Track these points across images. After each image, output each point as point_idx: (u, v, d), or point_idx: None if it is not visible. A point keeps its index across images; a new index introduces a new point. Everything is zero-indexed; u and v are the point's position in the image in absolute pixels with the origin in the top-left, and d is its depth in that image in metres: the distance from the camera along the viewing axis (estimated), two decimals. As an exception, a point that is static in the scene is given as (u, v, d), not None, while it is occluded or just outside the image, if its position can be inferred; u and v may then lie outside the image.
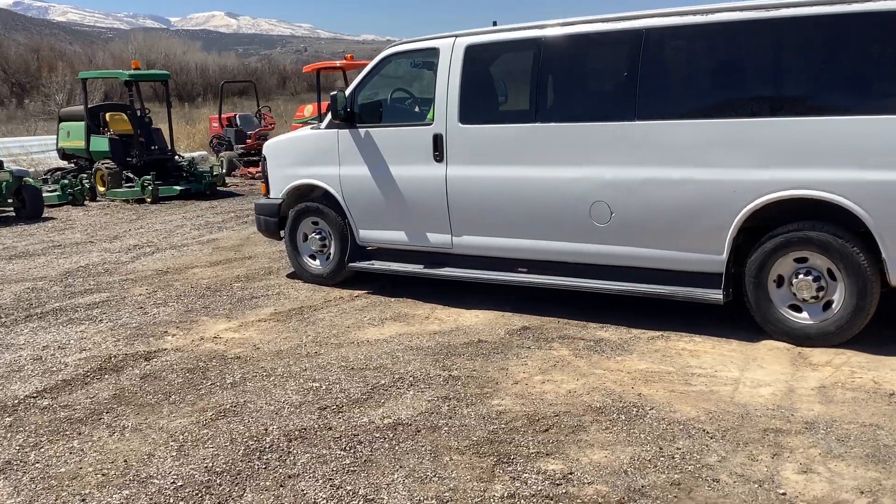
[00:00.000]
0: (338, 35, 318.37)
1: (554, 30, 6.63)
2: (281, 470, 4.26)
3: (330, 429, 4.75)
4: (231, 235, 11.07)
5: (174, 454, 4.52)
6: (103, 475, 4.31)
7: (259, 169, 16.25)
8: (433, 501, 3.86)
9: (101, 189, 15.53)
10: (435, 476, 4.11)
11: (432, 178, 7.16)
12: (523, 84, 7.06)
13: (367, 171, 7.54)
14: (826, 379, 5.14)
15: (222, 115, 19.95)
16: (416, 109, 8.12)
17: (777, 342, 5.81)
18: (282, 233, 8.42)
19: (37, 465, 4.47)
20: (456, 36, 7.10)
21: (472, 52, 6.98)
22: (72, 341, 6.63)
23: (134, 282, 8.61)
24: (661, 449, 4.26)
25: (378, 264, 7.73)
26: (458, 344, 6.14)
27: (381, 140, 7.47)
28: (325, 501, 3.94)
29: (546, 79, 6.78)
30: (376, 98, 7.81)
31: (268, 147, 8.51)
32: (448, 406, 4.99)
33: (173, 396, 5.37)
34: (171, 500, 4.01)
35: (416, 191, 7.30)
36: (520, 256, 6.90)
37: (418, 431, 4.65)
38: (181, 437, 4.74)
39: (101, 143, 15.91)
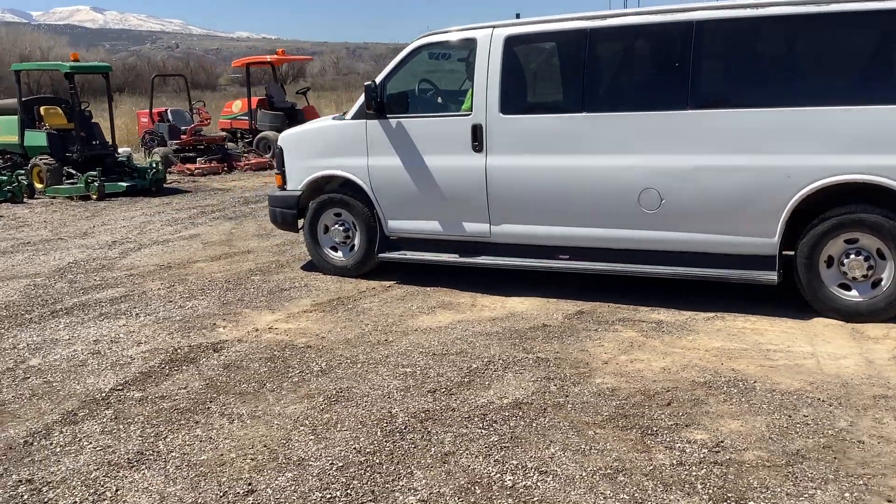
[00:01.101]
0: (210, 32, 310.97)
1: (603, 21, 6.85)
2: (433, 448, 4.37)
3: (452, 409, 4.86)
4: (211, 231, 10.94)
5: (312, 438, 4.56)
6: (252, 459, 4.33)
7: (197, 166, 16.00)
8: (607, 471, 4.04)
9: (39, 186, 14.95)
10: (592, 449, 4.29)
11: (471, 168, 7.28)
12: (567, 74, 7.29)
13: (398, 162, 7.61)
14: (894, 350, 5.56)
15: (153, 111, 19.43)
16: (441, 101, 8.21)
17: (828, 319, 6.21)
18: (300, 224, 8.37)
19: (172, 454, 4.44)
20: (493, 27, 7.24)
21: (511, 43, 7.14)
22: (121, 335, 6.52)
23: (142, 276, 8.48)
24: (790, 417, 4.57)
25: (410, 254, 7.80)
26: (524, 329, 6.33)
27: (414, 130, 7.55)
28: (497, 475, 4.07)
29: (594, 69, 6.98)
30: (404, 89, 7.82)
31: (284, 139, 8.46)
32: (556, 386, 5.17)
33: (268, 384, 5.38)
34: (342, 480, 4.08)
35: (453, 181, 7.41)
36: (562, 244, 7.11)
37: (544, 409, 4.82)
38: (307, 421, 4.79)
39: (37, 138, 15.33)
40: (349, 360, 5.78)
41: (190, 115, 19.69)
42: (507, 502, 3.80)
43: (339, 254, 8.22)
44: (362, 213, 7.91)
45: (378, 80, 7.64)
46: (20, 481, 4.15)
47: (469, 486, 3.96)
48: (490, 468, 4.13)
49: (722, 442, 4.29)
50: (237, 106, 20.64)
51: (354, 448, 4.42)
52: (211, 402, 5.14)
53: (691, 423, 4.54)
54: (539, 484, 3.95)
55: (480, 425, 4.64)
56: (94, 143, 15.55)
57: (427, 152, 7.50)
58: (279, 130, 18.68)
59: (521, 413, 4.78)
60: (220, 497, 3.94)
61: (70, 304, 7.44)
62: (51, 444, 4.61)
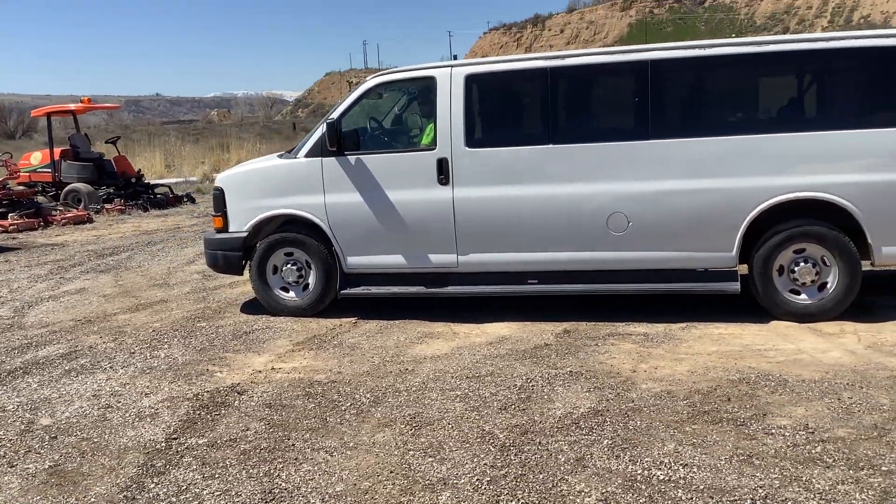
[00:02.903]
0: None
1: (565, 60, 7.41)
2: (561, 456, 4.66)
3: (540, 422, 5.15)
4: (94, 285, 10.38)
5: (431, 460, 4.71)
6: (393, 484, 4.43)
7: (11, 222, 14.94)
8: (739, 457, 4.50)
9: None
10: (704, 441, 4.72)
11: (437, 201, 7.55)
12: (533, 109, 7.80)
13: (359, 198, 7.73)
14: (860, 341, 6.44)
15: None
16: (396, 137, 8.45)
17: (785, 321, 7.06)
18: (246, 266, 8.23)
19: (302, 488, 4.44)
20: (451, 66, 7.61)
21: (471, 81, 7.53)
22: (118, 389, 6.23)
23: (69, 332, 7.97)
24: (839, 400, 5.24)
25: (374, 289, 7.88)
26: (528, 349, 6.69)
27: (375, 166, 7.70)
28: (644, 471, 4.43)
29: (558, 104, 7.54)
30: (356, 126, 7.98)
31: (225, 180, 8.29)
32: (611, 394, 5.58)
33: (330, 419, 5.41)
34: (503, 491, 4.27)
35: (419, 214, 7.62)
36: (532, 269, 7.53)
37: (625, 413, 5.21)
38: (409, 446, 4.91)
39: None
40: (391, 390, 5.86)
41: (-6, 168, 18.21)
42: (680, 493, 4.12)
43: (292, 294, 8.14)
44: (318, 252, 7.89)
45: (333, 118, 7.67)
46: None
47: (629, 483, 4.26)
48: (631, 466, 4.45)
49: (808, 425, 4.85)
50: (36, 158, 19.36)
51: (485, 464, 4.59)
52: (288, 439, 5.09)
53: (766, 412, 5.09)
54: (691, 474, 4.32)
55: (580, 433, 4.93)
56: None
57: (390, 187, 7.67)
58: (90, 182, 17.85)
59: (606, 419, 5.12)
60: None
61: (17, 365, 6.91)
62: (158, 496, 4.43)
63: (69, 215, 16.61)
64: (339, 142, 7.65)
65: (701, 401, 5.31)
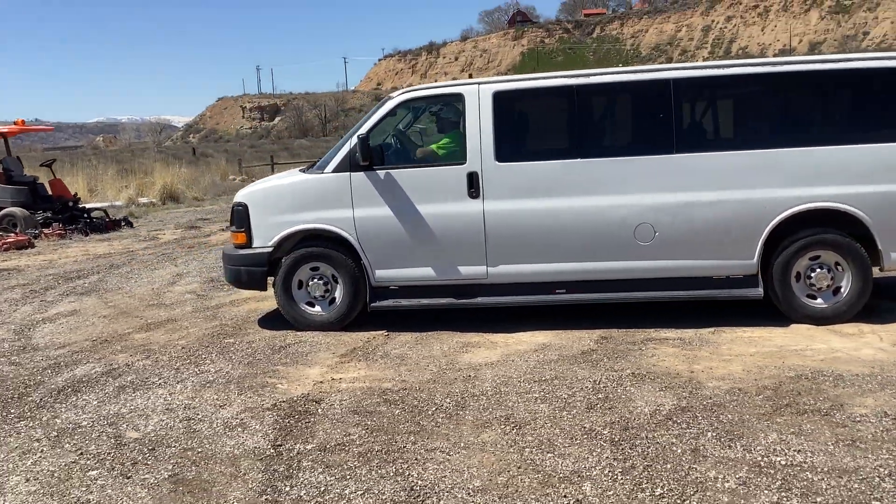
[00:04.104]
0: None
1: (590, 79, 7.80)
2: (676, 448, 4.95)
3: (633, 419, 5.43)
4: (84, 307, 10.17)
5: (552, 455, 4.96)
6: (530, 478, 4.66)
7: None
8: (846, 442, 4.87)
9: None
10: (802, 431, 5.05)
11: (467, 214, 7.75)
12: (561, 125, 8.11)
13: (388, 212, 7.89)
14: (883, 340, 6.95)
15: None
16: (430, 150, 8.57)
17: (806, 324, 7.55)
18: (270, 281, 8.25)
19: (440, 485, 4.61)
20: (479, 83, 7.90)
21: (499, 98, 7.82)
22: (187, 402, 6.25)
23: (93, 352, 7.87)
24: (902, 389, 5.73)
25: (405, 301, 8.06)
26: (575, 355, 6.96)
27: (405, 180, 7.85)
28: (764, 458, 4.75)
29: (585, 120, 7.89)
30: (382, 142, 8.14)
31: (249, 196, 8.30)
32: (686, 392, 5.89)
33: (423, 422, 5.57)
34: (656, 479, 4.56)
35: (449, 227, 7.82)
36: (560, 279, 7.81)
37: (711, 409, 5.52)
38: (518, 443, 5.15)
39: None
40: (467, 395, 6.06)
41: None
42: (809, 475, 4.47)
43: (318, 308, 8.19)
44: (345, 266, 7.99)
45: (362, 133, 7.84)
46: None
47: (756, 469, 4.58)
48: (748, 454, 4.77)
49: (886, 412, 5.26)
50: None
51: (607, 457, 4.85)
52: (395, 442, 5.24)
53: (841, 403, 5.48)
54: (810, 458, 4.66)
55: (680, 427, 5.23)
56: None
57: (420, 201, 7.87)
58: (25, 206, 17.34)
59: (696, 415, 5.43)
60: None
61: (61, 384, 6.83)
62: (301, 497, 4.58)
63: (10, 240, 16.10)
64: (369, 156, 7.75)
65: (774, 395, 5.67)
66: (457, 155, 7.91)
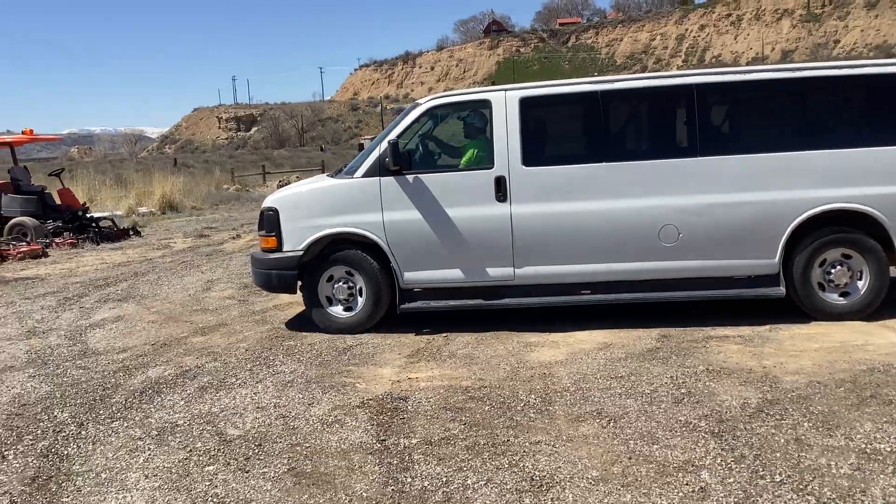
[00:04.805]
0: None
1: (614, 84, 8.06)
2: (780, 437, 5.14)
3: (725, 412, 5.62)
4: (124, 314, 10.24)
5: (659, 447, 5.11)
6: (645, 467, 4.83)
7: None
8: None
9: None
10: (894, 420, 5.34)
11: (495, 217, 7.89)
12: (586, 129, 8.37)
13: (417, 215, 8.00)
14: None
15: None
16: (450, 156, 8.83)
17: (855, 321, 7.71)
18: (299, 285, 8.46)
19: (558, 475, 4.77)
20: (505, 90, 8.13)
21: (525, 104, 8.05)
22: (273, 400, 6.38)
23: (154, 356, 7.97)
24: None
25: (434, 303, 8.18)
26: (642, 353, 7.13)
27: (434, 185, 8.00)
28: (867, 444, 4.93)
29: (609, 124, 8.12)
30: (411, 147, 8.34)
31: (278, 200, 8.46)
32: (766, 386, 6.05)
33: (518, 417, 5.73)
34: (756, 466, 4.73)
35: (477, 229, 7.93)
36: (586, 280, 8.03)
37: (800, 401, 5.69)
38: (624, 436, 5.32)
39: None
40: (551, 392, 6.22)
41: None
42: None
43: (341, 310, 8.43)
44: (370, 269, 8.18)
45: (392, 138, 8.04)
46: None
47: (865, 455, 4.77)
48: (851, 443, 4.94)
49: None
50: (-27, 192, 18.52)
51: (713, 447, 5.04)
52: (496, 436, 5.40)
53: (924, 392, 5.72)
54: (912, 444, 4.87)
55: (774, 419, 5.39)
56: None
57: (448, 205, 7.99)
58: (34, 216, 17.31)
59: (786, 407, 5.60)
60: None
61: (138, 386, 6.92)
62: (426, 488, 4.73)
63: (24, 249, 16.08)
64: (399, 161, 7.97)
65: (854, 388, 5.87)
66: (484, 160, 8.12)
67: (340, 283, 8.35)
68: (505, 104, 7.98)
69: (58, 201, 19.35)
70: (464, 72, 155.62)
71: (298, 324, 8.89)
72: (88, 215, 19.10)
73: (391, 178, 8.10)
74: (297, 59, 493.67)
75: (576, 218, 7.83)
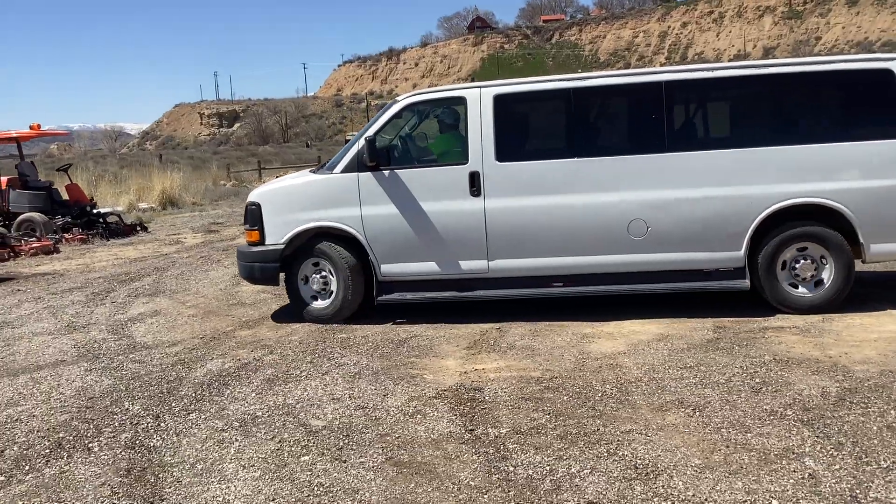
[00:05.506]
0: None
1: (586, 81, 8.21)
2: (878, 420, 5.19)
3: (808, 399, 5.68)
4: (159, 308, 10.21)
5: (753, 434, 5.15)
6: (747, 456, 4.87)
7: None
8: None
9: None
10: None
11: (469, 211, 8.08)
12: (554, 125, 8.59)
13: (394, 210, 8.20)
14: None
15: None
16: (425, 152, 8.96)
17: (884, 312, 7.85)
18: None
19: (660, 463, 4.81)
20: (480, 87, 8.29)
21: (500, 100, 8.20)
22: (347, 392, 6.37)
23: (206, 349, 7.95)
24: None
25: (410, 295, 8.36)
26: (702, 343, 7.15)
27: (410, 180, 8.20)
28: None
29: (581, 121, 8.26)
30: (388, 143, 8.55)
31: (262, 195, 8.71)
32: (840, 375, 6.07)
33: (599, 407, 5.75)
34: (856, 453, 4.78)
35: (452, 223, 8.12)
36: (558, 273, 8.18)
37: (880, 389, 5.73)
38: (711, 426, 5.36)
39: None
40: (624, 382, 6.25)
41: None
42: None
43: (317, 300, 8.61)
44: (340, 262, 8.39)
45: (369, 135, 8.23)
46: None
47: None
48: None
49: None
50: (-13, 186, 18.34)
51: (807, 435, 5.08)
52: (583, 425, 5.41)
53: None
54: None
55: (860, 406, 5.41)
56: None
57: (424, 199, 8.17)
58: (43, 211, 17.18)
59: (868, 395, 5.63)
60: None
61: (201, 378, 6.89)
62: (531, 477, 4.76)
63: (36, 245, 15.95)
64: (376, 157, 8.13)
65: (932, 375, 5.94)
66: (459, 155, 8.27)
67: (315, 275, 8.56)
68: (479, 101, 8.12)
69: (65, 197, 19.16)
70: (448, 68, 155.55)
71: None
72: (95, 211, 18.88)
73: (369, 174, 8.30)
74: (280, 54, 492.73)
75: (547, 212, 7.96)
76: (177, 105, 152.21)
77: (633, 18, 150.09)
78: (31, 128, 18.83)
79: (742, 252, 7.74)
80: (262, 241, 8.47)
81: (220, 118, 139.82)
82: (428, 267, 8.22)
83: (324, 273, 8.42)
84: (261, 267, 8.51)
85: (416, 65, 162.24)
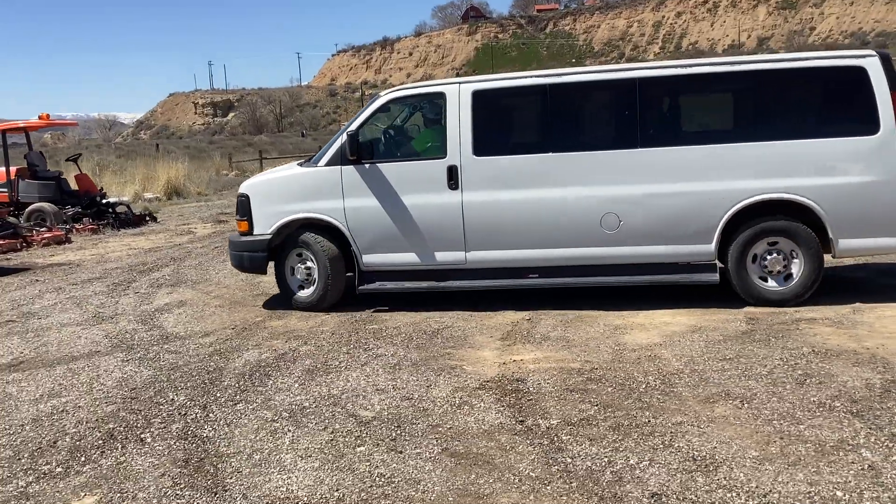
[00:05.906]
0: None
1: (562, 78, 8.35)
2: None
3: (854, 391, 5.73)
4: (184, 299, 10.23)
5: (806, 427, 5.20)
6: (802, 448, 4.91)
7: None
8: None
9: None
10: None
11: (447, 204, 8.29)
12: (533, 121, 8.74)
13: (375, 202, 8.43)
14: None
15: None
16: (406, 146, 9.15)
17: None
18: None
19: (717, 455, 4.85)
20: (459, 83, 8.45)
21: (479, 96, 8.34)
22: (389, 382, 6.42)
23: (240, 339, 7.99)
24: None
25: (390, 284, 8.61)
26: (737, 335, 7.20)
27: (390, 173, 8.43)
28: None
29: (556, 116, 8.36)
30: (371, 138, 8.75)
31: (250, 187, 8.99)
32: (882, 366, 6.12)
33: (646, 398, 5.79)
34: None
35: (430, 216, 8.34)
36: (533, 265, 8.35)
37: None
38: (761, 417, 5.40)
39: None
40: (666, 374, 6.29)
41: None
42: None
43: (304, 291, 8.91)
44: (320, 252, 8.61)
45: (352, 129, 8.38)
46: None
47: None
48: None
49: None
50: (-9, 175, 18.28)
51: (859, 427, 5.11)
52: (634, 416, 5.45)
53: None
54: None
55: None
56: None
57: (404, 192, 8.39)
58: (53, 201, 17.16)
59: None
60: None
61: (240, 368, 6.92)
62: (592, 469, 4.79)
63: (48, 235, 15.92)
64: (358, 151, 8.31)
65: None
66: (438, 150, 8.42)
67: (300, 265, 8.77)
68: (458, 96, 8.30)
69: (74, 186, 19.12)
70: (442, 57, 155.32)
71: (370, 308, 8.96)
72: (105, 201, 18.85)
73: (352, 167, 8.51)
74: (274, 43, 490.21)
75: (523, 206, 8.13)
76: (171, 94, 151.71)
77: (628, 8, 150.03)
78: (39, 117, 18.74)
79: (713, 246, 7.87)
80: (250, 231, 8.77)
81: (214, 108, 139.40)
82: (408, 258, 8.45)
83: (308, 263, 8.64)
84: (249, 256, 8.83)
85: (411, 54, 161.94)
